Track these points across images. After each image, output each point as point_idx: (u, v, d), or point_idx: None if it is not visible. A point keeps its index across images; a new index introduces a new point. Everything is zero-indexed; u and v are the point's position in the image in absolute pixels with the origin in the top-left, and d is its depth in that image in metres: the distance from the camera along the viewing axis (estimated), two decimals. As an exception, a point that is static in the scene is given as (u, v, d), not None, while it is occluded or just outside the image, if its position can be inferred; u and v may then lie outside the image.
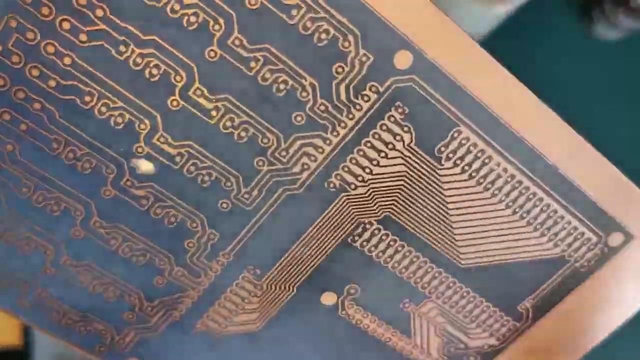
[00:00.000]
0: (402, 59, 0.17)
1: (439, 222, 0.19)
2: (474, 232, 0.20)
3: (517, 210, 0.19)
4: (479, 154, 0.18)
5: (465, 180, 0.19)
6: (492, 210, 0.19)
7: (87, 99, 0.17)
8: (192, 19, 0.16)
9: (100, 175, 0.18)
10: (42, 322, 0.20)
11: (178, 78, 0.17)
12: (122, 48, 0.16)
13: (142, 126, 0.17)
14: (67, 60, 0.16)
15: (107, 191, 0.18)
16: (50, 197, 0.18)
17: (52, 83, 0.17)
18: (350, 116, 0.18)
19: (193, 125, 0.17)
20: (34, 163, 0.17)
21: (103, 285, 0.19)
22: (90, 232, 0.18)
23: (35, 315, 0.20)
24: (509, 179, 0.19)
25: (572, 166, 0.19)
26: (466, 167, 0.19)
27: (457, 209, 0.19)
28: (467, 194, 0.19)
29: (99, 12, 0.16)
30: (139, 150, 0.18)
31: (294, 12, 0.16)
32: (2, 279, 0.19)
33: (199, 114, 0.17)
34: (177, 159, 0.18)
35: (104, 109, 0.17)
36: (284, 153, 0.18)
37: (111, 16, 0.16)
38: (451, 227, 0.19)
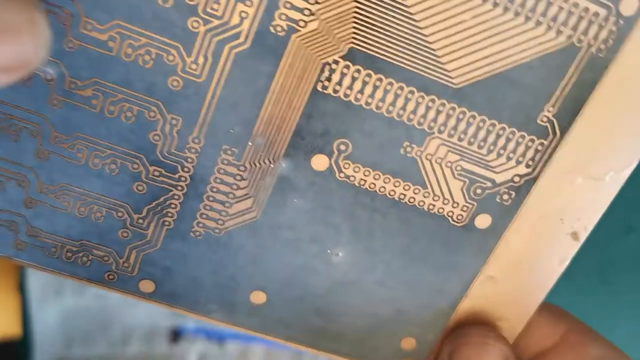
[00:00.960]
0: None
1: (411, 40, 0.17)
2: (455, 42, 0.17)
3: (497, 1, 0.17)
4: (428, -56, 0.16)
5: (423, -20, 0.16)
6: (468, 10, 0.17)
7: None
8: None
9: (42, 84, 0.17)
10: (44, 262, 0.19)
11: (79, -49, 0.16)
12: None
13: (64, 17, 0.16)
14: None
15: (55, 100, 0.17)
16: (4, 123, 0.17)
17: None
18: (270, -60, 0.16)
19: (113, 0, 0.16)
20: (-25, 88, 0.17)
21: (87, 205, 0.18)
22: (54, 149, 0.18)
23: (36, 256, 0.19)
24: (474, -34, 0.16)
25: None
26: (419, -35, 0.16)
27: (426, 18, 0.17)
28: (431, -4, 0.16)
29: None
30: (70, 45, 0.17)
31: None
32: (-11, 222, 0.18)
33: (113, -15, 0.16)
34: (110, 44, 0.17)
35: (19, 9, 0.16)
36: (215, 6, 0.16)
37: None
38: (427, 42, 0.17)
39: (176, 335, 0.38)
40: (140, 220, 0.19)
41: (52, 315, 0.35)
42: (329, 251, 0.19)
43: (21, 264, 0.19)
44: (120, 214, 0.19)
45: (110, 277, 0.19)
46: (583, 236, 0.19)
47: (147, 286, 0.20)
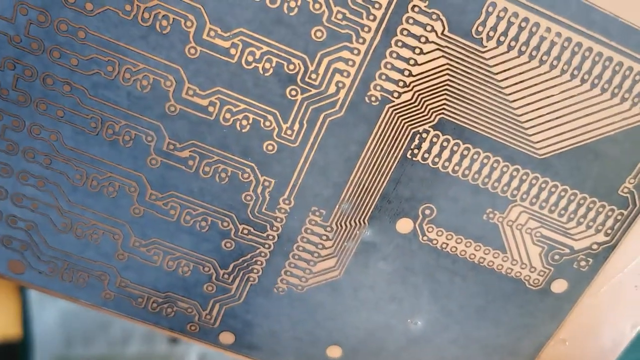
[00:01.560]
0: (409, -59, 0.16)
1: (499, 112, 0.18)
2: (542, 115, 0.18)
3: (585, 77, 0.17)
4: (522, 24, 0.17)
5: (515, 57, 0.17)
6: (557, 85, 0.17)
7: (109, 68, 0.17)
8: (186, -42, 0.16)
9: (142, 144, 0.18)
10: (130, 311, 0.20)
11: (188, 24, 0.17)
12: (127, 7, 0.16)
13: (168, 83, 0.17)
14: (81, 34, 0.17)
15: (153, 160, 0.18)
16: (102, 179, 0.18)
17: (74, 61, 0.17)
18: (372, 17, 0.17)
19: (216, 69, 0.17)
20: (79, 147, 0.18)
21: (175, 260, 0.19)
22: (149, 206, 0.18)
23: (122, 305, 0.20)
24: (565, 44, 0.17)
25: (631, 9, 0.16)
26: (512, 43, 0.17)
27: (515, 92, 0.17)
28: (522, 72, 0.17)
29: (98, -23, 0.16)
30: (171, 109, 0.17)
31: None
32: (81, 272, 0.19)
33: (218, 55, 0.17)
34: (210, 109, 0.17)
35: (127, 75, 0.17)
36: (314, 76, 0.17)
37: (109, -23, 0.16)
38: (515, 114, 0.18)
39: (176, 335, 0.38)
40: (226, 276, 0.19)
41: (52, 316, 0.35)
42: (409, 320, 0.20)
43: (107, 312, 0.20)
44: (207, 268, 0.19)
45: (192, 328, 0.20)
46: (657, 302, 0.20)
47: (227, 338, 0.20)
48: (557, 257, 0.19)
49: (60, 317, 0.36)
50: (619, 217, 0.19)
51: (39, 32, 0.17)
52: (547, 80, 0.17)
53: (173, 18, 0.17)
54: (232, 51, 0.17)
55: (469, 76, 0.17)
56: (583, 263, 0.19)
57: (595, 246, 0.19)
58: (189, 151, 0.18)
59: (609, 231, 0.19)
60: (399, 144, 0.18)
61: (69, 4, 0.16)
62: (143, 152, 0.18)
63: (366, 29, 0.17)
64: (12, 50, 0.17)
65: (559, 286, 0.20)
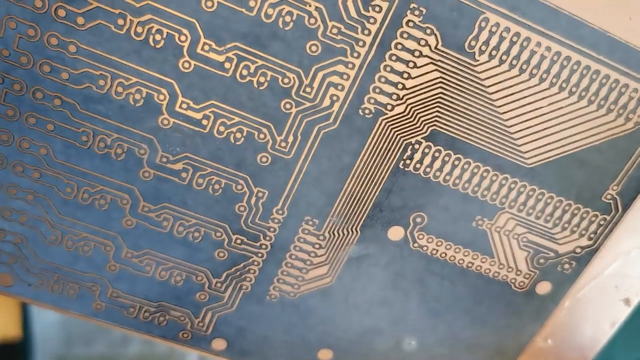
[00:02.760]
0: (404, -43, 0.16)
1: (490, 123, 0.18)
2: (531, 126, 0.18)
3: (573, 90, 0.18)
4: (514, 38, 0.17)
5: (506, 71, 0.17)
6: (546, 97, 0.18)
7: (101, 82, 0.17)
8: (180, -28, 0.16)
9: (135, 157, 0.18)
10: (122, 321, 0.20)
11: (182, 38, 0.16)
12: (120, 22, 0.16)
13: (161, 97, 0.17)
14: (72, 48, 0.16)
15: (146, 172, 0.18)
16: (94, 192, 0.18)
17: (65, 75, 0.17)
18: (366, 32, 0.17)
19: (210, 82, 0.17)
20: (70, 160, 0.17)
21: (168, 270, 0.19)
22: (142, 218, 0.18)
23: (114, 316, 0.20)
24: (555, 58, 0.17)
25: (619, 24, 0.17)
26: (504, 57, 0.17)
27: (506, 104, 0.18)
28: (512, 85, 0.17)
29: (89, -9, 0.16)
30: (164, 122, 0.17)
31: (278, -64, 0.16)
32: (72, 284, 0.19)
33: (212, 69, 0.17)
34: (204, 122, 0.17)
35: (120, 89, 0.17)
36: (308, 89, 0.17)
37: (101, -9, 0.16)
38: (505, 126, 0.18)
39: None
40: (219, 284, 0.19)
41: (52, 316, 0.35)
42: (406, 341, 0.20)
43: (98, 323, 0.20)
44: (199, 278, 0.19)
45: (185, 335, 0.20)
46: (634, 301, 0.21)
47: (219, 344, 0.20)
48: (542, 260, 0.20)
49: (60, 317, 0.36)
50: (602, 222, 0.19)
51: (28, 46, 0.16)
52: (536, 93, 0.18)
53: (167, 32, 0.16)
54: (227, 65, 0.17)
55: (461, 89, 0.17)
56: (567, 266, 0.20)
57: (578, 250, 0.20)
58: (182, 164, 0.18)
59: (592, 235, 0.20)
60: (391, 154, 0.18)
61: (60, 17, 0.16)
62: (135, 165, 0.18)
63: (361, 43, 0.17)
64: (0, 64, 0.16)
65: (544, 288, 0.20)
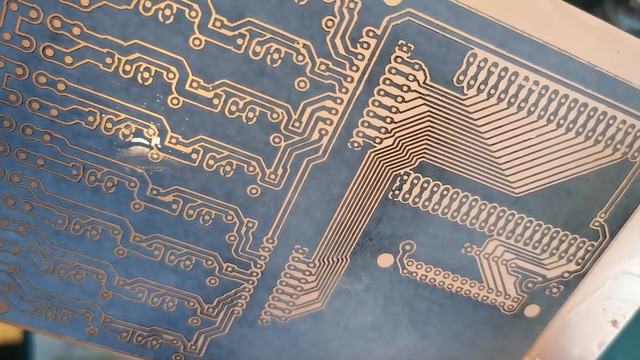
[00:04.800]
0: (392, -6, 0.16)
1: (478, 155, 0.18)
2: (519, 157, 0.18)
3: (561, 122, 0.18)
4: (502, 73, 0.17)
5: (494, 104, 0.17)
6: (534, 129, 0.18)
7: (90, 119, 0.17)
8: (167, 12, 0.16)
9: (125, 190, 0.18)
10: (115, 345, 0.20)
11: (171, 75, 0.16)
12: (107, 60, 0.16)
13: (150, 131, 0.17)
14: (60, 86, 0.16)
15: (137, 204, 0.18)
16: (85, 223, 0.18)
17: (54, 112, 0.17)
18: (354, 68, 0.17)
19: (199, 118, 0.17)
20: (60, 193, 0.18)
21: (160, 296, 0.19)
22: (133, 248, 0.18)
23: (107, 340, 0.20)
24: (543, 91, 0.17)
25: (607, 58, 0.17)
26: (492, 91, 0.17)
27: (494, 137, 0.18)
28: (501, 118, 0.18)
29: (76, 31, 0.16)
30: (154, 156, 0.17)
31: (265, -24, 0.16)
32: (65, 310, 0.19)
33: (201, 105, 0.17)
34: (194, 156, 0.17)
35: (109, 125, 0.17)
36: (297, 124, 0.17)
37: (88, 31, 0.16)
38: (493, 157, 0.18)
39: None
40: (211, 309, 0.20)
41: None
42: None
43: (92, 346, 0.20)
44: (191, 303, 0.19)
45: (177, 358, 0.20)
46: (622, 323, 0.21)
47: (212, 366, 0.21)
48: (530, 285, 0.20)
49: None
50: (590, 248, 0.20)
51: (17, 84, 0.16)
52: (524, 125, 0.18)
53: (155, 70, 0.16)
54: (215, 101, 0.17)
55: (450, 122, 0.17)
56: (555, 290, 0.20)
57: (566, 274, 0.20)
58: (173, 196, 0.18)
59: (580, 261, 0.20)
60: (380, 185, 0.18)
61: (48, 57, 0.16)
62: (126, 198, 0.18)
63: (349, 79, 0.17)
64: (-11, 101, 0.16)
65: (532, 311, 0.20)
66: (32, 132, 0.17)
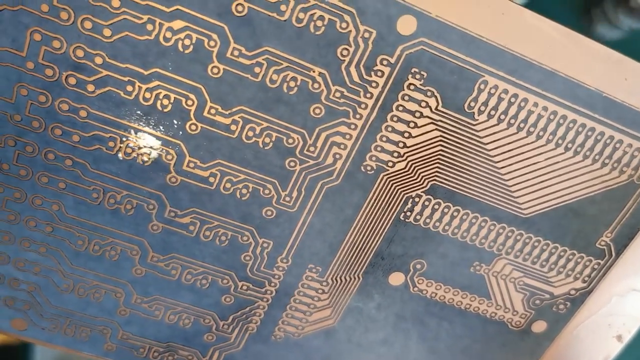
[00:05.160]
0: (406, 25, 0.16)
1: (488, 178, 0.18)
2: (528, 180, 0.19)
3: (569, 146, 0.18)
4: (512, 99, 0.17)
5: (504, 129, 0.18)
6: (542, 153, 0.18)
7: (111, 144, 0.17)
8: (187, 42, 0.16)
9: (144, 212, 0.18)
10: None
11: (189, 102, 0.17)
12: (129, 88, 0.17)
13: (169, 157, 0.17)
14: (82, 113, 0.17)
15: (155, 226, 0.18)
16: (104, 244, 0.18)
17: (76, 138, 0.17)
18: (369, 95, 0.17)
19: (217, 144, 0.17)
20: (81, 216, 0.18)
21: (176, 314, 0.20)
22: (151, 267, 0.19)
23: (124, 356, 0.20)
24: (551, 117, 0.18)
25: (615, 84, 0.17)
26: (502, 116, 0.18)
27: (504, 160, 0.18)
28: (510, 142, 0.18)
29: (98, 60, 0.16)
30: (172, 180, 0.18)
31: (282, 7, 0.16)
32: (84, 327, 0.20)
33: (219, 131, 0.17)
34: (211, 179, 0.18)
35: (129, 150, 0.17)
36: (312, 149, 0.18)
37: (110, 61, 0.16)
38: (503, 180, 0.18)
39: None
40: (226, 326, 0.20)
41: None
42: None
43: (109, 362, 0.21)
44: (207, 320, 0.20)
45: (193, 373, 0.21)
46: (626, 338, 0.21)
47: (226, 381, 0.21)
48: (537, 302, 0.21)
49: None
50: (596, 266, 0.20)
51: (39, 112, 0.17)
52: (533, 149, 0.18)
53: (174, 97, 0.17)
54: (233, 127, 0.17)
55: (461, 146, 0.18)
56: (562, 306, 0.21)
57: (573, 292, 0.20)
58: (190, 217, 0.18)
59: (587, 278, 0.20)
60: (392, 207, 0.19)
61: (71, 85, 0.16)
62: (145, 219, 0.18)
63: (363, 105, 0.17)
64: (12, 128, 0.17)
65: (539, 327, 0.21)
66: (54, 157, 0.17)
